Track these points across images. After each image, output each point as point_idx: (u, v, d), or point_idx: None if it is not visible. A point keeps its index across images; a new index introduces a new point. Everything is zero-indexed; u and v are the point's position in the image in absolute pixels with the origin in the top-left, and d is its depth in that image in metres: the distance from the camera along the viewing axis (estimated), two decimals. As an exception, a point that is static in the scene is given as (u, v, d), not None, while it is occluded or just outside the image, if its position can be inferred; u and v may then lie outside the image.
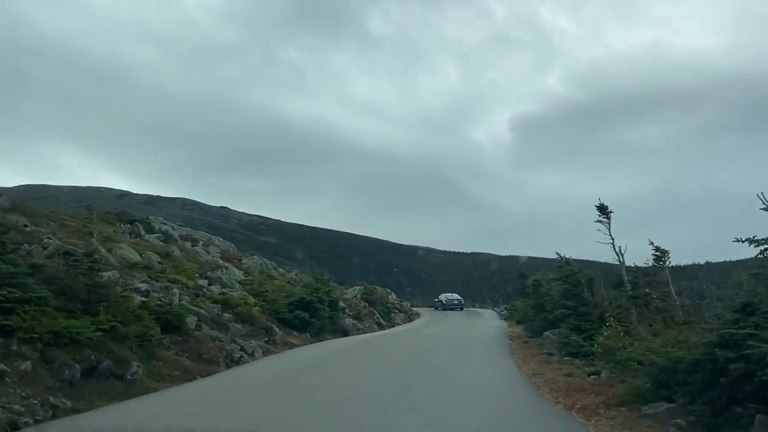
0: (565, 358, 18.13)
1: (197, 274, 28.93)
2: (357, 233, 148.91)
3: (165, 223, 42.33)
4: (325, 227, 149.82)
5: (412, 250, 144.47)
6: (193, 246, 39.62)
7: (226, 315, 24.51)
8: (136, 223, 38.81)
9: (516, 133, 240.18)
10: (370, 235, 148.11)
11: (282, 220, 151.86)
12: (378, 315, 40.88)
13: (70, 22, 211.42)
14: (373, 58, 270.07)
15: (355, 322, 36.48)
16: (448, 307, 55.74)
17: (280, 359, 21.31)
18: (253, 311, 26.22)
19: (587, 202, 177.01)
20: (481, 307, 62.22)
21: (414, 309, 53.56)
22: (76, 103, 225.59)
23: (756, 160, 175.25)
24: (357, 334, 34.24)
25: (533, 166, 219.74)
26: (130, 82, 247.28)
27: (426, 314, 50.66)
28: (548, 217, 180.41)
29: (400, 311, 47.85)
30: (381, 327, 39.62)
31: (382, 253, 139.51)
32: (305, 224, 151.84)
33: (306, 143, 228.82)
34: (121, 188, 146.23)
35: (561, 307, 21.04)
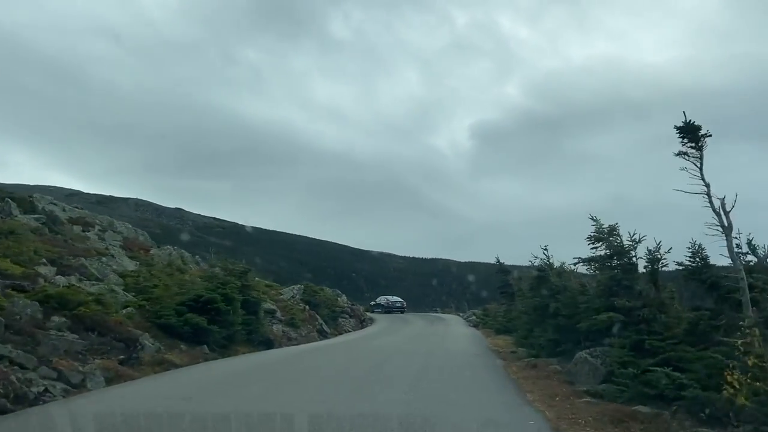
0: (640, 407, 8.62)
1: (44, 260, 18.81)
2: (316, 237, 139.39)
3: (54, 204, 31.90)
4: (283, 231, 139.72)
5: (372, 255, 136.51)
6: (84, 231, 29.35)
7: (56, 319, 14.53)
8: (7, 200, 28.31)
9: (476, 140, 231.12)
10: (329, 240, 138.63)
11: (239, 223, 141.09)
12: (321, 320, 30.98)
13: (20, 15, 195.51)
14: (333, 61, 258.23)
15: (287, 329, 26.56)
16: (389, 310, 47.79)
17: (113, 396, 11.37)
18: (111, 315, 16.24)
19: (545, 210, 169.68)
20: (444, 312, 52.65)
21: (369, 314, 43.78)
22: (24, 98, 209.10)
23: (707, 171, 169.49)
24: (288, 344, 24.39)
25: (492, 174, 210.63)
26: (83, 79, 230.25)
27: (382, 320, 40.86)
28: (507, 224, 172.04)
29: (350, 316, 37.99)
30: (323, 335, 29.76)
31: (341, 257, 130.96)
32: (263, 228, 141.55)
33: (265, 146, 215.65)
34: (71, 188, 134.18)
35: (603, 309, 11.55)
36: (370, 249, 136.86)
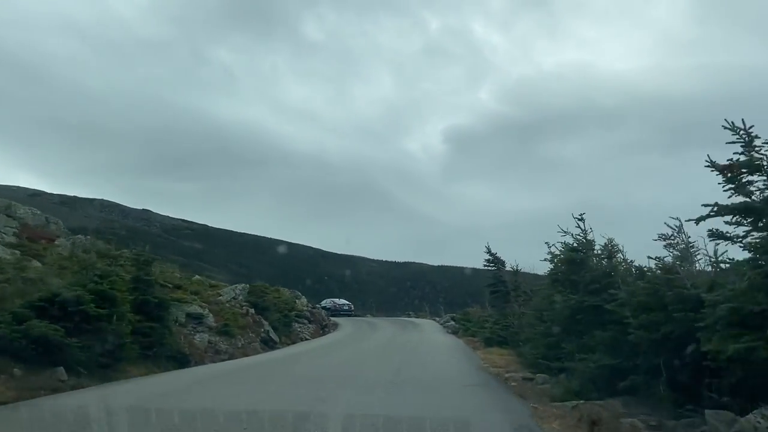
0: None
1: None
2: (288, 240, 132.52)
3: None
4: (254, 233, 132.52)
5: (345, 258, 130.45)
6: (-34, 214, 22.39)
7: None
8: None
9: (449, 144, 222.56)
10: (301, 243, 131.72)
11: (209, 225, 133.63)
12: (268, 327, 24.11)
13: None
14: (306, 63, 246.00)
15: (217, 339, 19.68)
16: (336, 313, 42.21)
17: None
18: None
19: (517, 214, 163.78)
20: (417, 317, 45.89)
21: (333, 318, 36.98)
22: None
23: (673, 178, 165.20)
24: (214, 360, 17.62)
25: (465, 178, 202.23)
26: (48, 77, 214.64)
27: (348, 325, 34.12)
28: (479, 228, 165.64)
29: (309, 321, 31.13)
30: (269, 345, 22.91)
31: (313, 261, 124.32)
32: (234, 230, 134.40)
33: (236, 147, 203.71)
34: (35, 188, 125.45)
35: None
36: (343, 252, 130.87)
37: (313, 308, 33.89)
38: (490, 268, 21.18)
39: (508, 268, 21.02)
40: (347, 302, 46.92)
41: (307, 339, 27.93)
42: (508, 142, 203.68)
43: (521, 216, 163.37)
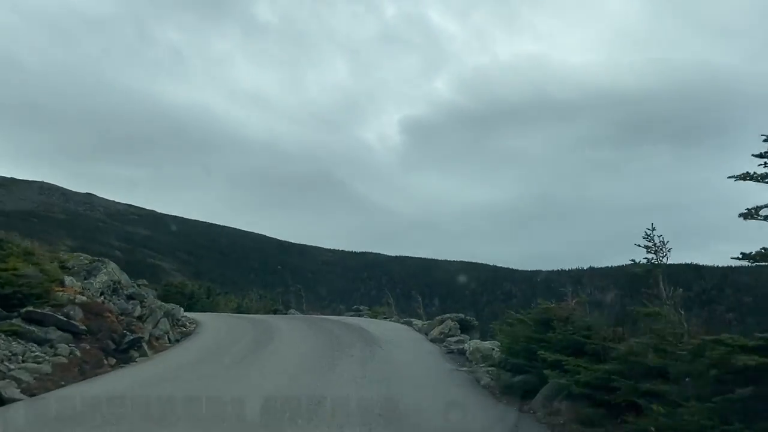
0: None
1: None
2: (241, 228, 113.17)
3: None
4: (205, 220, 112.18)
5: (299, 248, 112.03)
6: None
7: None
8: None
9: (406, 135, 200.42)
10: (254, 231, 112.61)
11: (157, 210, 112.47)
12: None
13: None
14: (258, 45, 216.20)
15: None
16: None
17: None
18: None
19: (472, 206, 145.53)
20: (373, 314, 24.96)
21: (191, 316, 16.58)
22: None
23: (625, 172, 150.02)
24: None
25: (422, 169, 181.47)
26: None
27: (213, 333, 13.91)
28: (435, 219, 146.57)
29: (75, 334, 10.39)
30: None
31: (266, 250, 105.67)
32: (184, 217, 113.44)
33: (185, 131, 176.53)
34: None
35: None
36: (298, 241, 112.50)
37: (131, 298, 13.15)
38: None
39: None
40: None
41: (14, 400, 7.81)
42: (464, 133, 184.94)
43: (477, 207, 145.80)
